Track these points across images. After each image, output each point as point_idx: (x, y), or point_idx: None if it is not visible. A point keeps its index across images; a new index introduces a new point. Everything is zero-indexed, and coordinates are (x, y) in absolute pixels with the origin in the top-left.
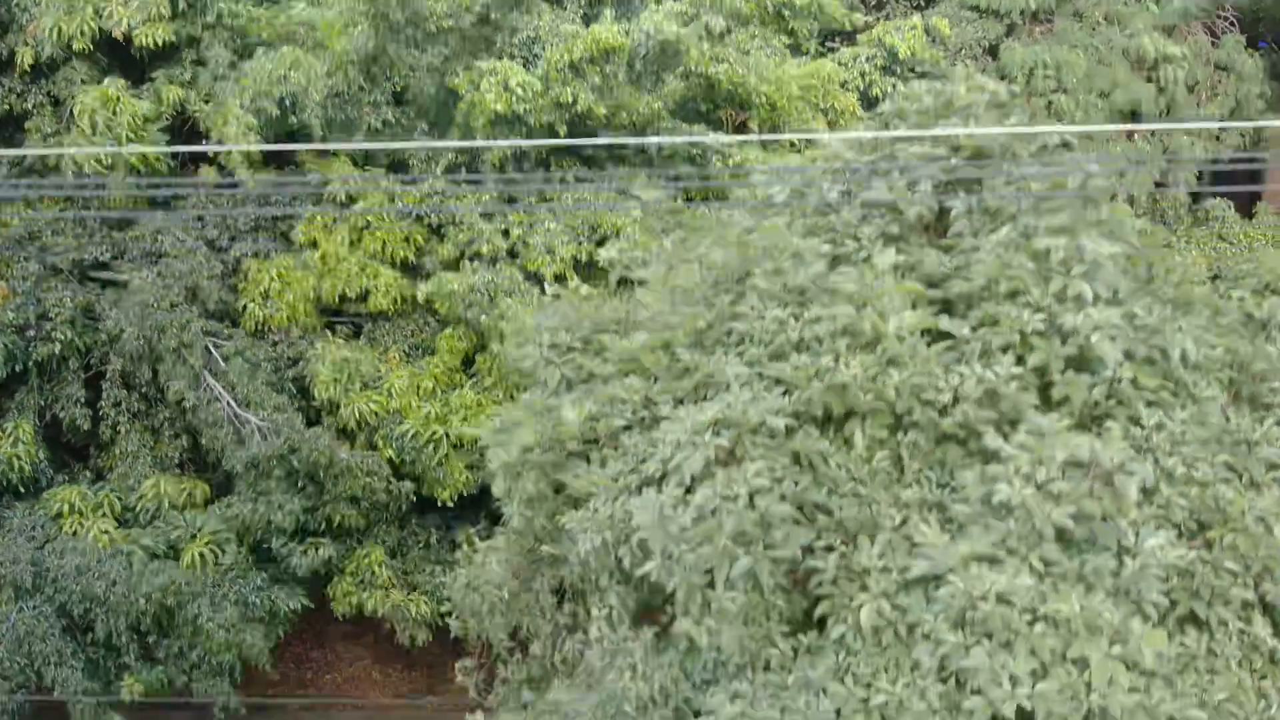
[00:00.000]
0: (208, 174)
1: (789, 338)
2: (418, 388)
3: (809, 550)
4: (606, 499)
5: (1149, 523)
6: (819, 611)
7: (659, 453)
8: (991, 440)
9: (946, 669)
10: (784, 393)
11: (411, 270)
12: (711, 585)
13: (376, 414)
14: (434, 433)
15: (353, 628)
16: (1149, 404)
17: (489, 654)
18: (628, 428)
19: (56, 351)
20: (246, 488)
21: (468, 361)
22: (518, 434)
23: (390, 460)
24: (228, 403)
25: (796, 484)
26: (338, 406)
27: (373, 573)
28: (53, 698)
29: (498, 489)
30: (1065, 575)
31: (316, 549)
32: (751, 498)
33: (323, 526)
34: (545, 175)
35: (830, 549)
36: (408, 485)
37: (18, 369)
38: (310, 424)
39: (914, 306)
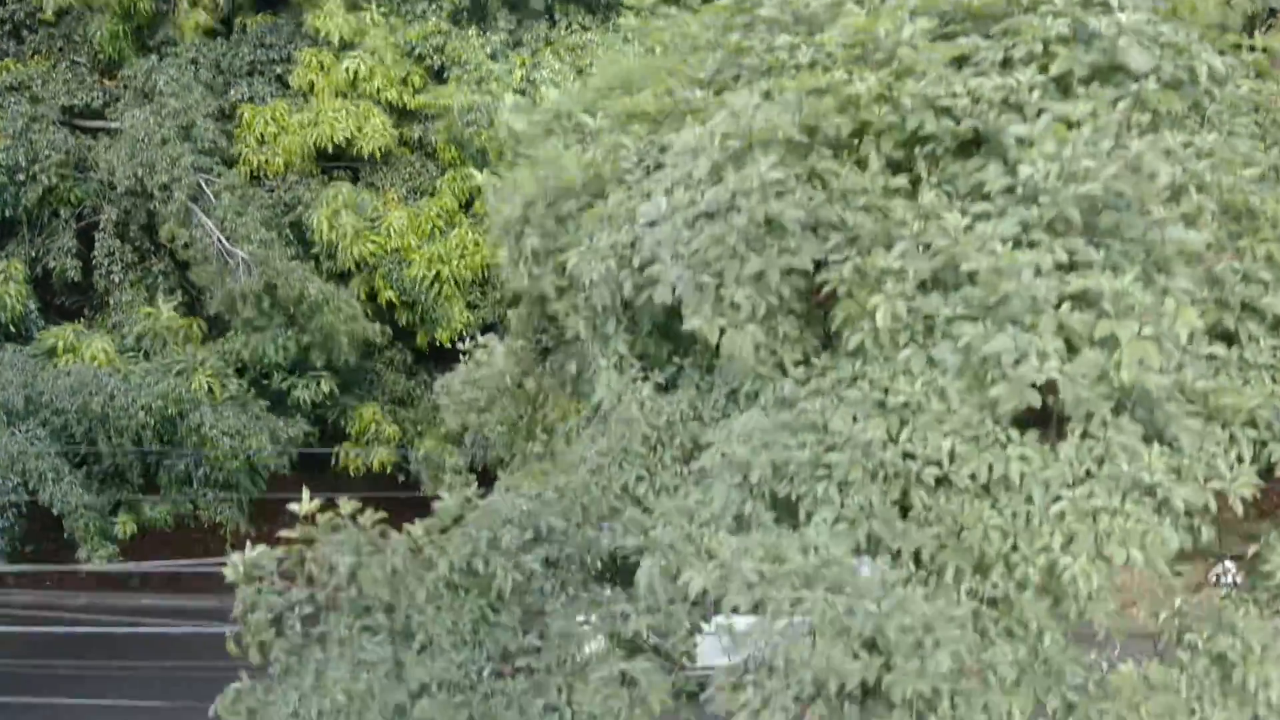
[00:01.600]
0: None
1: (799, 60)
2: (417, 228)
3: (821, 264)
4: (610, 230)
5: (1178, 223)
6: (833, 320)
7: (665, 169)
8: (1015, 130)
9: (968, 365)
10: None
11: (409, 116)
12: (722, 285)
13: (375, 254)
14: (436, 271)
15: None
16: (1175, 126)
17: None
18: (630, 173)
19: (45, 195)
20: (241, 325)
21: (466, 205)
22: (519, 189)
23: (390, 302)
24: (217, 238)
25: (810, 199)
26: (336, 250)
27: (376, 425)
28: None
29: (499, 254)
30: (1091, 264)
31: (318, 382)
32: (763, 193)
33: (321, 363)
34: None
35: (846, 260)
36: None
37: (8, 214)
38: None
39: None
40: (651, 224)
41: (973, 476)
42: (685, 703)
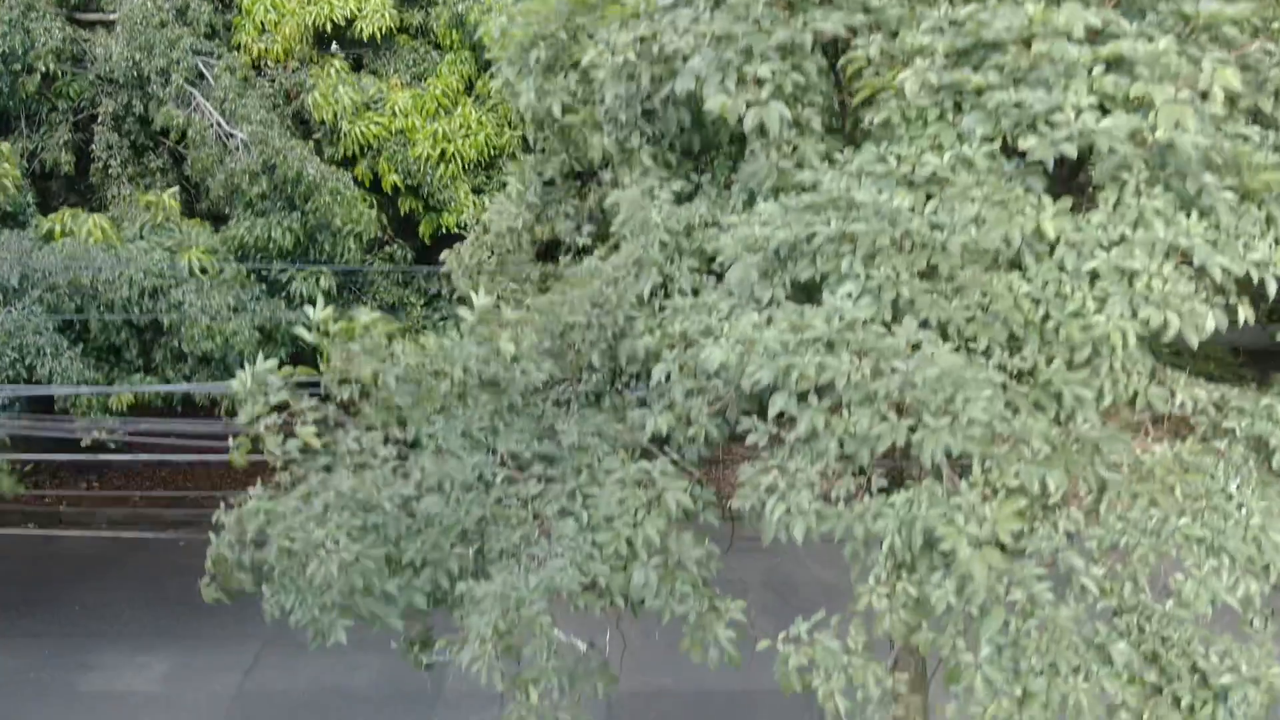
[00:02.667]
0: None
1: None
2: (421, 108)
3: (847, 45)
4: (628, 28)
5: None
6: (858, 95)
7: None
8: None
9: (997, 130)
10: None
11: (410, 2)
12: (747, 61)
13: (379, 136)
14: (441, 150)
15: None
16: None
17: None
18: None
19: (42, 88)
20: (242, 209)
21: (468, 87)
22: (528, 15)
23: (395, 186)
24: (216, 121)
25: None
26: (339, 133)
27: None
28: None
29: (508, 71)
30: (1124, 34)
31: (318, 279)
32: None
33: (323, 256)
34: None
35: (872, 43)
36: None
37: (5, 105)
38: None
39: None
40: (672, 6)
41: (1006, 242)
42: (705, 508)
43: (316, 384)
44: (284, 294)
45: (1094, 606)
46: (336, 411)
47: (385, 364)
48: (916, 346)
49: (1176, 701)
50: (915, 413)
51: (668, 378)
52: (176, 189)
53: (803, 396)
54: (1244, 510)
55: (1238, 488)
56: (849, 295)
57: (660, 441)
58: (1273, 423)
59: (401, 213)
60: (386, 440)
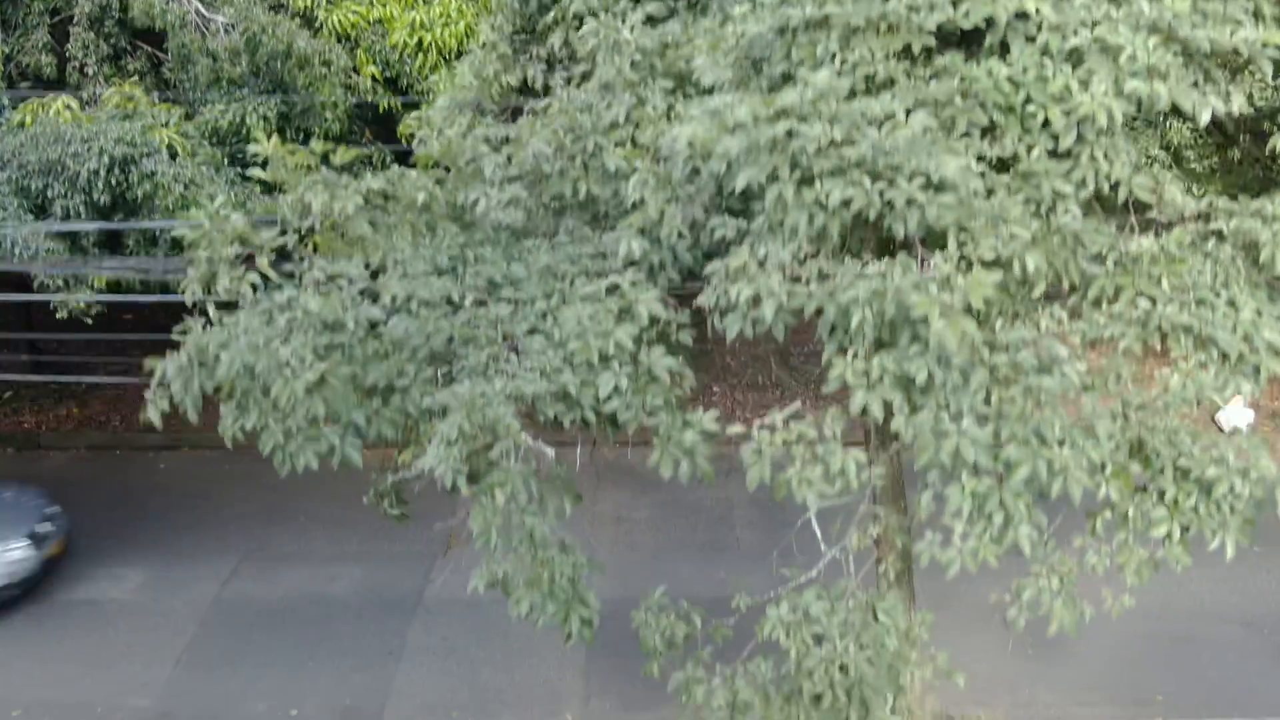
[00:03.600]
0: None
1: None
2: None
3: None
4: None
5: None
6: None
7: None
8: None
9: None
10: None
11: None
12: None
13: (357, 25)
14: (419, 39)
15: None
16: None
17: None
18: None
19: None
20: (216, 96)
21: None
22: None
23: (373, 77)
24: (196, 7)
25: None
26: (317, 23)
27: None
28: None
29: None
30: None
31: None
32: None
33: (300, 138)
34: None
35: None
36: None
37: None
38: None
39: None
40: None
41: (988, 21)
42: (678, 330)
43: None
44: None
45: (1078, 389)
46: (298, 244)
47: (345, 191)
48: (890, 116)
49: (1161, 496)
50: (888, 178)
51: (641, 200)
52: (146, 82)
53: (772, 177)
54: (1234, 307)
55: (1224, 285)
56: (825, 76)
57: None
58: (1262, 221)
59: (380, 110)
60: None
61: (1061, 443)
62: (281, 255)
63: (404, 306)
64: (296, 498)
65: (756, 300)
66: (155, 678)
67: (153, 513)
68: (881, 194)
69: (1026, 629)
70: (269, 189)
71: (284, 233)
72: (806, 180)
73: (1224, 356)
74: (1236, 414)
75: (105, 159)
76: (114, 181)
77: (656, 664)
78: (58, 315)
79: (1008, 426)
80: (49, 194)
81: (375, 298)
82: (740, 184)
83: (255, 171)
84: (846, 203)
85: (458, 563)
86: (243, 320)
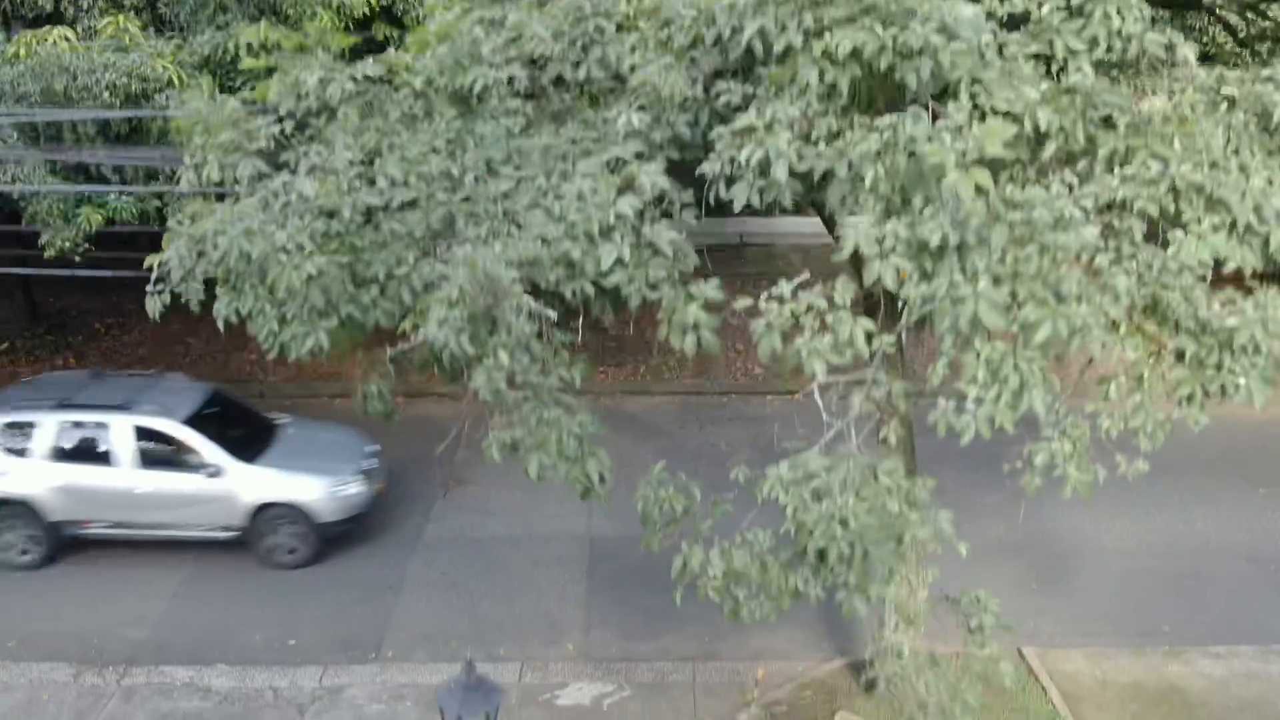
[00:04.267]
0: None
1: None
2: None
3: None
4: None
5: None
6: None
7: None
8: None
9: None
10: None
11: None
12: None
13: None
14: None
15: None
16: None
17: None
18: None
19: None
20: (205, 23)
21: None
22: None
23: (369, 5)
24: None
25: None
26: None
27: None
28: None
29: None
30: None
31: None
32: None
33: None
34: None
35: None
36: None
37: None
38: None
39: None
40: None
41: None
42: (682, 209)
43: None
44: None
45: (1093, 248)
46: (294, 131)
47: (340, 75)
48: None
49: (1181, 356)
50: (901, 24)
51: (642, 63)
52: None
53: (781, 28)
54: (1244, 173)
55: (1235, 151)
56: None
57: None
58: (1274, 86)
59: (378, 39)
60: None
61: (1079, 299)
62: (278, 144)
63: (402, 184)
64: None
65: (765, 167)
66: (151, 610)
67: None
68: (895, 39)
69: (1031, 567)
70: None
71: (280, 120)
72: (816, 32)
73: (1233, 224)
74: None
75: (120, 95)
76: (128, 122)
77: (656, 539)
78: (46, 254)
79: (1024, 286)
80: (57, 128)
81: (372, 182)
82: (748, 34)
83: (247, 62)
84: (857, 54)
85: (458, 502)
86: (239, 207)
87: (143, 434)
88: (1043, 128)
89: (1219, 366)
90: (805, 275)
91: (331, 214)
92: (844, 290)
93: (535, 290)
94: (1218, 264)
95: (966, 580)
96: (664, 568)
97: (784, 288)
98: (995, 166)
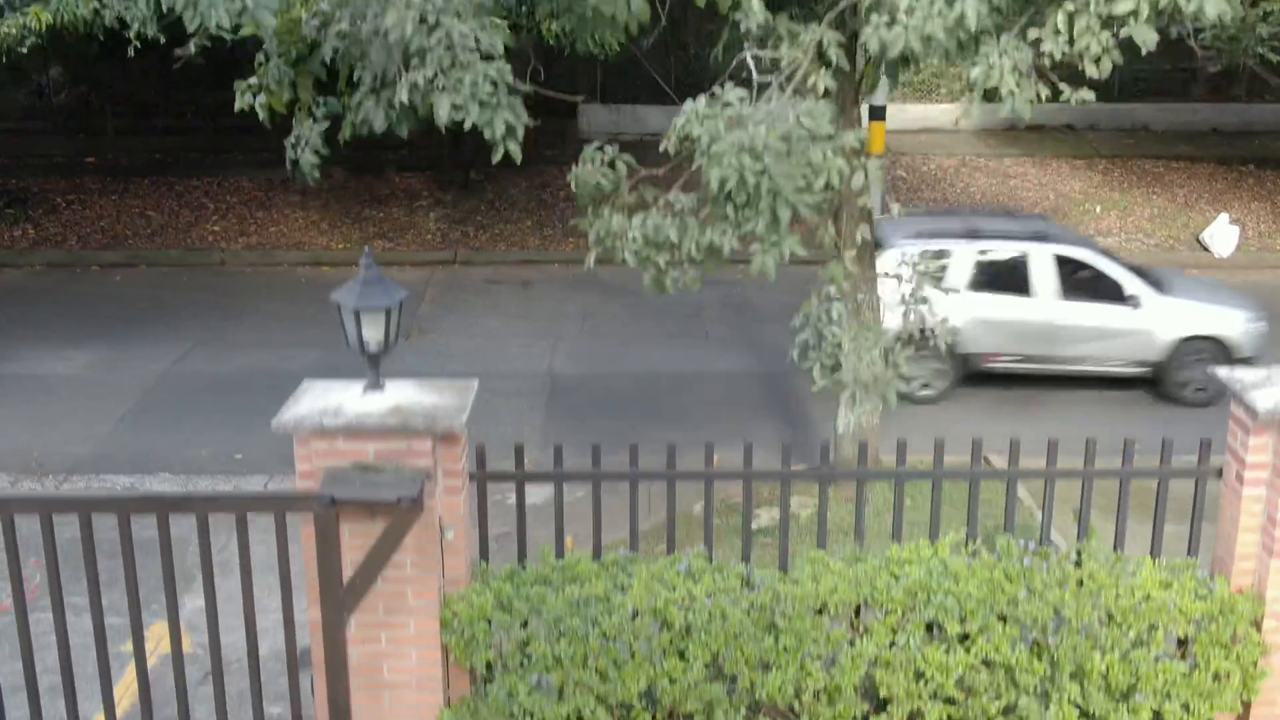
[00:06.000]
0: None
1: None
2: None
3: None
4: None
5: None
6: None
7: None
8: None
9: None
10: None
11: None
12: None
13: None
14: None
15: None
16: None
17: None
18: None
19: None
20: None
21: None
22: None
23: None
24: None
25: None
26: None
27: None
28: None
29: None
30: None
31: None
32: None
33: None
34: None
35: None
36: None
37: None
38: None
39: None
40: None
41: None
42: None
43: None
44: None
45: None
46: None
47: None
48: None
49: None
50: None
51: None
52: None
53: None
54: None
55: None
56: None
57: None
58: None
59: None
60: None
61: None
62: None
63: None
64: (255, 301)
65: None
66: (96, 433)
67: (105, 313)
68: None
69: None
70: None
71: None
72: None
73: None
74: (1221, 232)
75: None
76: None
77: (591, 212)
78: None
79: None
80: None
81: None
82: None
83: None
84: None
85: (419, 349)
86: None
87: (1064, 264)
88: None
89: None
90: None
91: None
92: None
93: None
94: None
95: None
96: (623, 398)
97: None
98: None
